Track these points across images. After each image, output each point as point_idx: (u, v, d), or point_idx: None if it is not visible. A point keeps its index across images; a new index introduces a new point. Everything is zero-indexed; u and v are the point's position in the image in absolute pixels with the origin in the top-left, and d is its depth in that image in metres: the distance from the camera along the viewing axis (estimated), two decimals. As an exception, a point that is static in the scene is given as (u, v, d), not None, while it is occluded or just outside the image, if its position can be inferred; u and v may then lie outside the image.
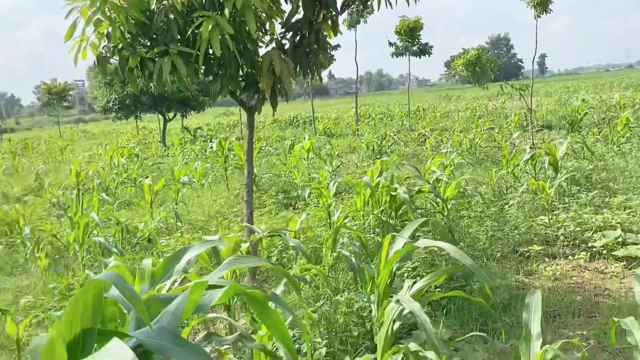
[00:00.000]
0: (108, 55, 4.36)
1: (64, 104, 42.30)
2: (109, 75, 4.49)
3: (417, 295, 3.02)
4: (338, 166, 11.10)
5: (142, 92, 18.49)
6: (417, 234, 5.87)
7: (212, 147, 16.59)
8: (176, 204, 8.69)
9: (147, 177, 9.50)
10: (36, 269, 6.73)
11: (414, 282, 3.10)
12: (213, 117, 45.82)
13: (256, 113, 5.31)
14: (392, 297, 3.20)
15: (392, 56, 22.83)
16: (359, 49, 21.51)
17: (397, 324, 3.06)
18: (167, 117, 22.83)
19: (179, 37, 4.30)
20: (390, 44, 22.86)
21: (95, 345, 1.42)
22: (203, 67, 4.62)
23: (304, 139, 12.88)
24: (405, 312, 3.05)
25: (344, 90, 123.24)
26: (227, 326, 4.37)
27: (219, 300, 1.81)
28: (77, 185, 10.84)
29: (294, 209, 8.87)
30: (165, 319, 1.55)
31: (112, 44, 4.27)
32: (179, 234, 7.50)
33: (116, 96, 20.95)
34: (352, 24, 21.15)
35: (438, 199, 6.61)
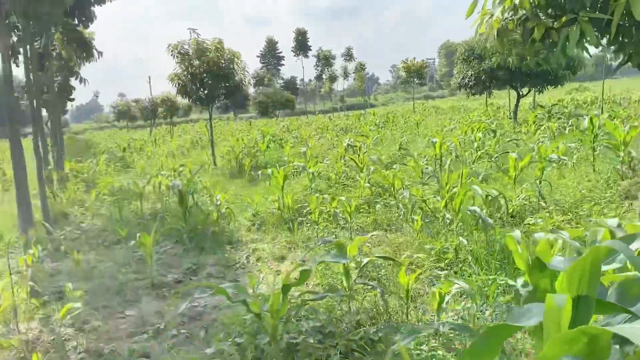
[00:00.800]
0: (510, 27, 4.37)
1: (418, 81, 45.92)
2: (506, 48, 4.51)
3: None
4: None
5: (500, 67, 18.31)
6: None
7: (571, 125, 15.34)
8: (540, 182, 8.34)
9: (510, 152, 9.40)
10: (409, 229, 7.48)
11: None
12: (564, 93, 42.26)
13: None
14: None
15: None
16: None
17: None
18: (520, 93, 22.09)
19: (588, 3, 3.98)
20: None
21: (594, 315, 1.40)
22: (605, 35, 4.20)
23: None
24: None
25: None
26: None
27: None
28: (438, 156, 11.60)
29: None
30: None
31: (516, 17, 4.26)
32: (547, 214, 7.20)
33: (472, 72, 21.36)
34: None
35: None
